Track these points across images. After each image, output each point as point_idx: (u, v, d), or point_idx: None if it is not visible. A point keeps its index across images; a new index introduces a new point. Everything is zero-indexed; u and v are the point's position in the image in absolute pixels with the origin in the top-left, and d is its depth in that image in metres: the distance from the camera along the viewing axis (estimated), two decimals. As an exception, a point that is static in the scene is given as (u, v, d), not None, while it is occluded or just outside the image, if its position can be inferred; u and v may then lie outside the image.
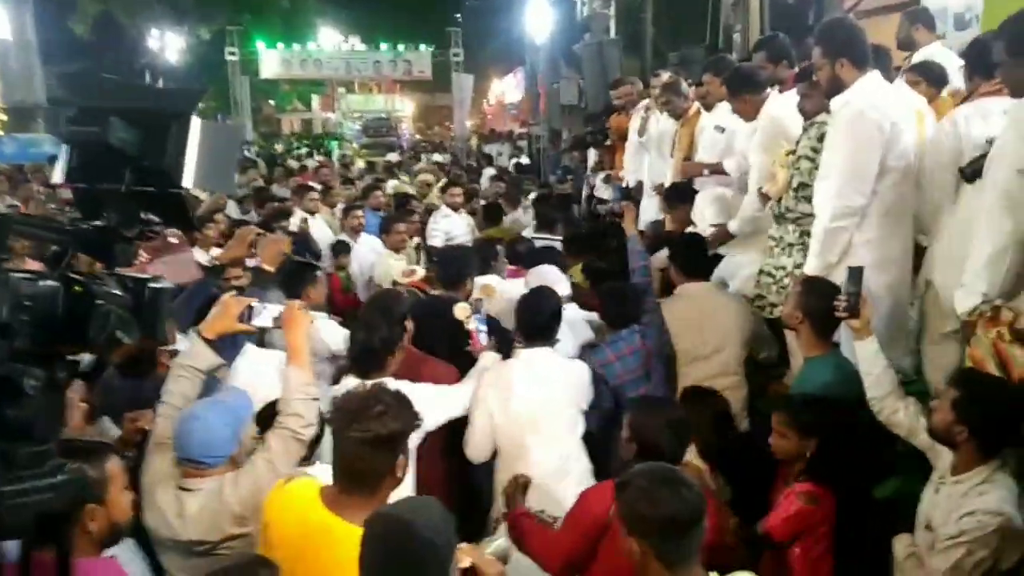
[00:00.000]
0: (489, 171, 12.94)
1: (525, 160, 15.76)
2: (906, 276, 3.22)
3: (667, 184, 5.24)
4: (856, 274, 2.67)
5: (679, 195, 4.88)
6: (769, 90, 4.22)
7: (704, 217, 4.59)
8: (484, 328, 3.36)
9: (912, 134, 3.13)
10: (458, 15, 25.74)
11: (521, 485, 2.72)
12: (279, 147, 25.75)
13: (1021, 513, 2.17)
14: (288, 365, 2.45)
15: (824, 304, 2.78)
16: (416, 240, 6.47)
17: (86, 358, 2.60)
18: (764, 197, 3.81)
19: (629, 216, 4.07)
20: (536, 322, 3.13)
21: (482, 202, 8.16)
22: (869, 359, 2.64)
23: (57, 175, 1.34)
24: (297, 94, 34.90)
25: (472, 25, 25.59)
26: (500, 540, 1.94)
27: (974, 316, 2.59)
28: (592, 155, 8.99)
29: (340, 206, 7.74)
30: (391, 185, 10.04)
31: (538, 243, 5.25)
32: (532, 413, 2.97)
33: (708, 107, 4.85)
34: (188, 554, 2.19)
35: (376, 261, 5.87)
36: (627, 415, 2.53)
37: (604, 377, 3.25)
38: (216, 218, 5.81)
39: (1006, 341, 2.46)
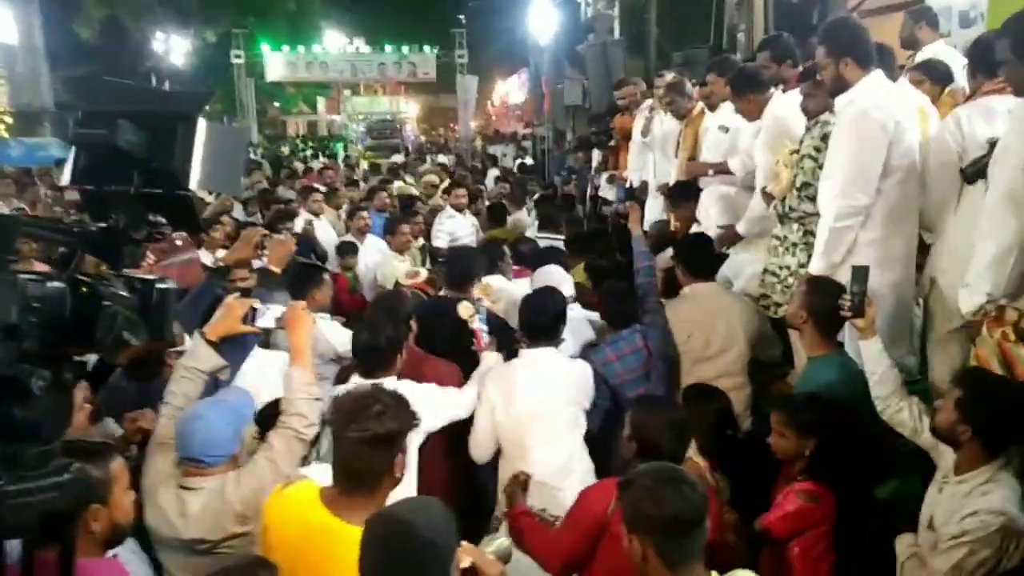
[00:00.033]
0: (494, 172, 12.95)
1: (529, 161, 15.78)
2: (910, 275, 3.22)
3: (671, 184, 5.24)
4: (861, 273, 2.66)
5: (683, 193, 4.88)
6: (773, 90, 4.22)
7: (709, 215, 4.59)
8: (485, 327, 3.37)
9: (916, 133, 3.13)
10: (462, 16, 25.75)
11: (521, 483, 2.72)
12: (285, 149, 25.81)
13: None
14: (291, 365, 2.46)
15: (828, 303, 2.78)
16: (421, 241, 6.49)
17: (91, 359, 2.61)
18: (768, 196, 3.80)
19: (634, 216, 4.08)
20: (540, 322, 3.14)
21: (487, 203, 8.18)
22: (873, 358, 2.64)
23: (65, 177, 1.35)
24: (302, 96, 34.95)
25: (476, 26, 25.60)
26: (501, 539, 1.94)
27: (979, 316, 2.59)
28: (596, 155, 9.00)
29: (345, 207, 7.76)
30: (396, 187, 10.06)
31: (541, 243, 5.26)
32: (535, 412, 2.97)
33: (712, 107, 4.85)
34: (190, 553, 2.21)
35: (380, 262, 5.89)
36: (628, 414, 2.53)
37: (603, 376, 3.25)
38: (222, 220, 5.84)
39: (1011, 341, 2.46)
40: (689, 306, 3.63)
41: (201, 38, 23.42)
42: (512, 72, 28.16)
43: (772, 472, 2.81)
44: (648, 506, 1.76)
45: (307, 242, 5.89)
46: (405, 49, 24.79)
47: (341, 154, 23.96)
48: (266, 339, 3.21)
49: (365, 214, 6.54)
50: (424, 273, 4.91)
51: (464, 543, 1.69)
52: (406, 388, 2.77)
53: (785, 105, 4.01)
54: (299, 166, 15.57)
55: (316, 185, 8.79)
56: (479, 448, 3.05)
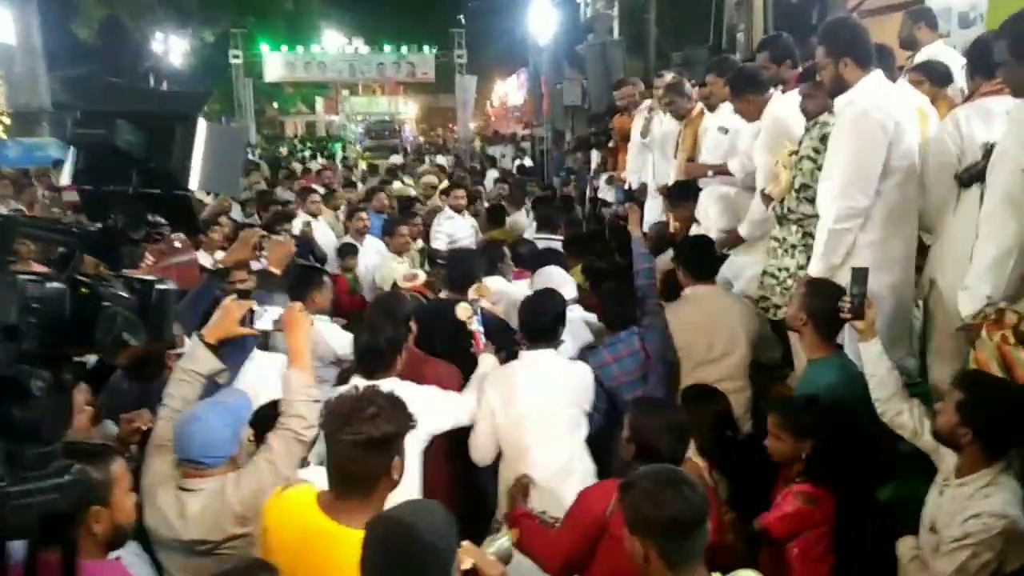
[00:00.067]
0: (493, 173, 12.95)
1: (528, 162, 15.78)
2: (910, 277, 3.22)
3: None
4: (861, 275, 2.66)
5: (682, 193, 4.87)
6: (772, 90, 4.22)
7: (708, 215, 4.58)
8: (481, 328, 3.36)
9: (915, 134, 3.13)
10: (461, 17, 25.75)
11: (523, 486, 2.72)
12: (283, 150, 25.81)
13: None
14: (289, 367, 2.46)
15: (828, 306, 2.77)
16: (420, 243, 6.48)
17: (91, 359, 2.61)
18: (767, 198, 3.80)
19: (633, 218, 4.07)
20: (539, 324, 3.14)
21: (486, 204, 8.17)
22: (874, 360, 2.64)
23: (64, 177, 1.35)
24: (301, 97, 34.95)
25: (475, 27, 25.61)
26: (502, 540, 1.94)
27: (978, 319, 2.58)
28: (595, 156, 9.00)
29: (343, 209, 7.76)
30: (394, 188, 10.06)
31: (539, 244, 5.26)
32: (535, 414, 2.97)
33: (712, 108, 4.84)
34: (189, 554, 2.20)
35: (378, 264, 5.88)
36: (627, 416, 2.53)
37: (599, 378, 3.24)
38: (220, 221, 5.83)
39: (1011, 344, 2.46)
40: (690, 309, 3.62)
41: (199, 38, 23.42)
42: (511, 72, 28.20)
43: (772, 473, 2.80)
44: (648, 508, 1.76)
45: (305, 243, 5.89)
46: (404, 49, 24.80)
47: (339, 155, 23.96)
48: (264, 341, 3.21)
49: (364, 215, 6.53)
50: (422, 275, 4.90)
51: (465, 543, 1.69)
52: (407, 390, 2.76)
53: (784, 106, 4.01)
54: (297, 167, 15.58)
55: (314, 186, 8.78)
56: (480, 451, 3.05)
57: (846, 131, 3.05)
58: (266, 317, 2.52)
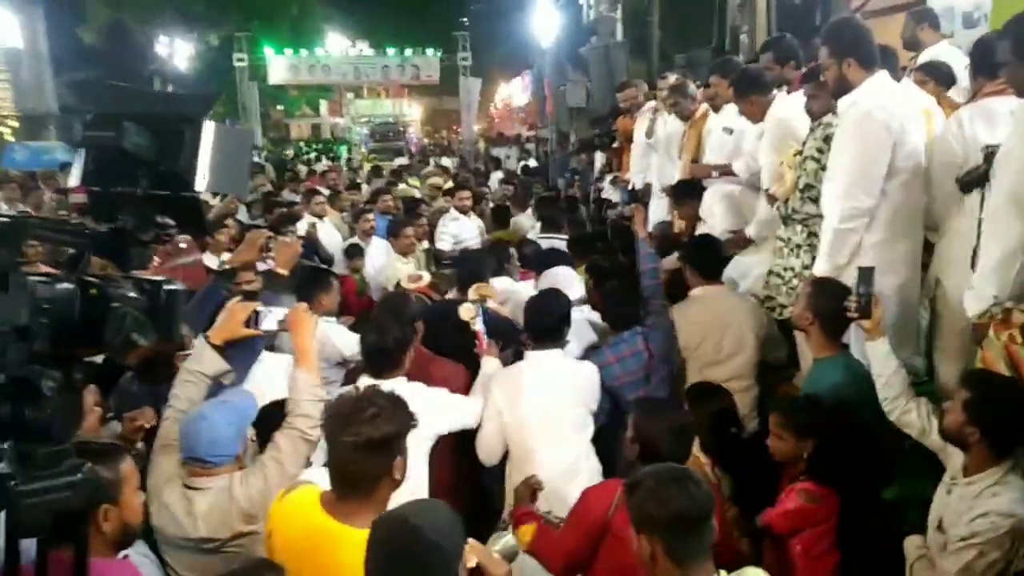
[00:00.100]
0: (498, 174, 12.96)
1: (532, 163, 15.79)
2: (916, 276, 3.21)
3: (675, 186, 5.23)
4: (867, 275, 2.66)
5: (687, 191, 4.86)
6: (776, 91, 4.22)
7: (713, 213, 4.58)
8: (484, 328, 3.37)
9: (920, 134, 3.12)
10: (465, 19, 25.84)
11: (531, 488, 2.72)
12: (289, 152, 25.87)
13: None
14: (295, 367, 2.47)
15: (834, 305, 2.77)
16: (425, 244, 6.50)
17: (97, 360, 2.62)
18: (771, 198, 3.80)
19: (639, 218, 4.06)
20: (544, 324, 3.15)
21: (490, 205, 8.19)
22: (881, 360, 2.63)
23: (73, 178, 1.36)
24: (305, 99, 35.04)
25: (479, 29, 25.69)
26: (507, 537, 1.93)
27: (984, 319, 2.58)
28: (599, 158, 9.01)
29: (348, 210, 7.78)
30: (400, 189, 10.08)
31: (543, 243, 5.27)
32: (541, 415, 2.97)
33: (716, 109, 4.85)
34: (196, 552, 2.22)
35: (384, 264, 5.90)
36: (631, 416, 2.54)
37: (602, 379, 3.24)
38: (227, 223, 5.84)
39: (1018, 343, 2.45)
40: (699, 309, 3.60)
41: (204, 42, 23.52)
42: (515, 74, 28.22)
43: (776, 471, 2.81)
44: (653, 505, 1.77)
45: (310, 245, 5.91)
46: (408, 52, 24.86)
47: (344, 157, 24.01)
48: (271, 343, 3.22)
49: (370, 216, 6.55)
50: (427, 277, 4.91)
51: (471, 541, 1.69)
52: (414, 390, 2.78)
53: (788, 107, 4.01)
54: (302, 169, 15.61)
55: (319, 188, 8.81)
56: (487, 451, 3.06)
57: (850, 132, 3.05)
58: (271, 318, 2.53)
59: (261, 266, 3.91)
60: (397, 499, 1.92)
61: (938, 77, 4.00)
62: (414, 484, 2.46)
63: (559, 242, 5.31)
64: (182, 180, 1.35)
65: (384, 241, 6.20)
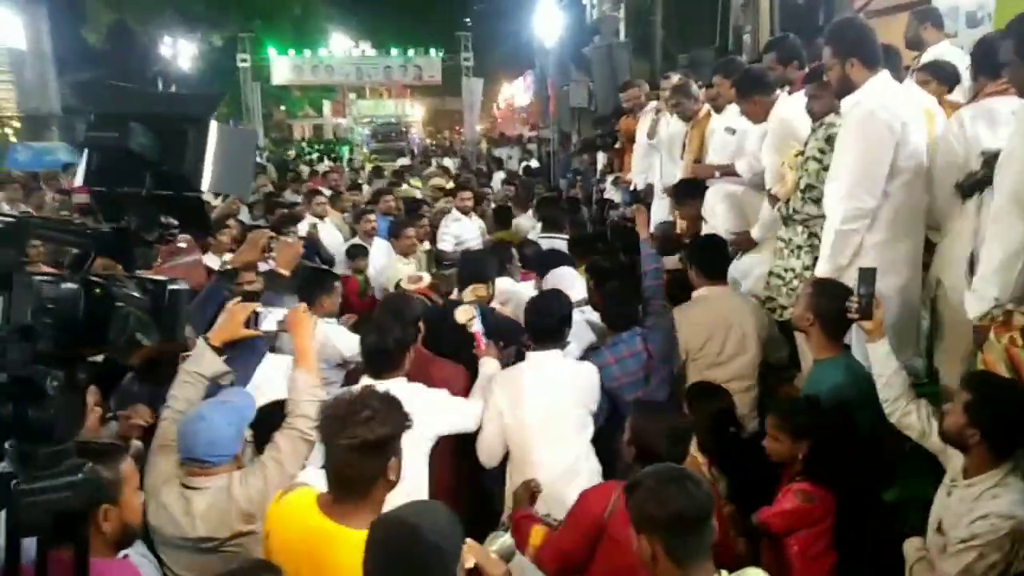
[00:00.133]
0: (500, 175, 12.97)
1: (535, 164, 15.79)
2: (917, 277, 3.21)
3: (677, 186, 5.22)
4: (868, 275, 2.65)
5: (688, 191, 4.86)
6: (779, 92, 4.22)
7: (715, 213, 4.57)
8: (483, 329, 3.37)
9: (922, 134, 3.12)
10: (468, 19, 25.85)
11: (531, 491, 2.73)
12: (291, 153, 25.91)
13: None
14: (295, 368, 2.48)
15: (835, 306, 2.77)
16: (427, 245, 6.50)
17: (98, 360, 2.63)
18: (773, 198, 3.80)
19: (641, 219, 4.06)
20: (544, 324, 3.15)
21: (492, 206, 8.19)
22: (881, 361, 2.63)
23: (79, 178, 1.37)
24: (308, 100, 35.10)
25: (482, 29, 25.70)
26: (504, 537, 1.94)
27: (985, 321, 2.57)
28: (601, 158, 9.00)
29: (349, 211, 7.78)
30: (401, 190, 10.09)
31: (544, 243, 5.27)
32: (542, 415, 2.97)
33: (718, 109, 4.84)
34: (195, 551, 2.22)
35: (385, 265, 5.91)
36: (628, 418, 2.54)
37: (600, 380, 3.24)
38: (228, 223, 5.85)
39: (1019, 346, 2.45)
40: (703, 309, 3.59)
41: (207, 42, 23.57)
42: (517, 75, 28.22)
43: (774, 471, 2.81)
44: (653, 505, 1.77)
45: (312, 245, 5.92)
46: (410, 52, 24.88)
47: (346, 157, 24.03)
48: (272, 343, 3.22)
49: (372, 217, 6.55)
50: (427, 278, 4.91)
51: (468, 541, 1.70)
52: (413, 391, 2.78)
53: (791, 107, 4.00)
54: (305, 169, 15.64)
55: (321, 188, 8.82)
56: (487, 452, 3.05)
57: (853, 132, 3.05)
58: (270, 318, 2.54)
59: (263, 266, 3.91)
60: (395, 500, 1.93)
61: (941, 77, 3.99)
62: (412, 485, 2.46)
63: (560, 242, 5.31)
64: (186, 180, 1.36)
65: (385, 242, 6.20)
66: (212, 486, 2.23)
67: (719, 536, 1.85)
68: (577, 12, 14.87)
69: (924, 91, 3.76)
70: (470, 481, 3.23)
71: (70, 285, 1.21)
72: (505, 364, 3.32)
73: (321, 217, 7.02)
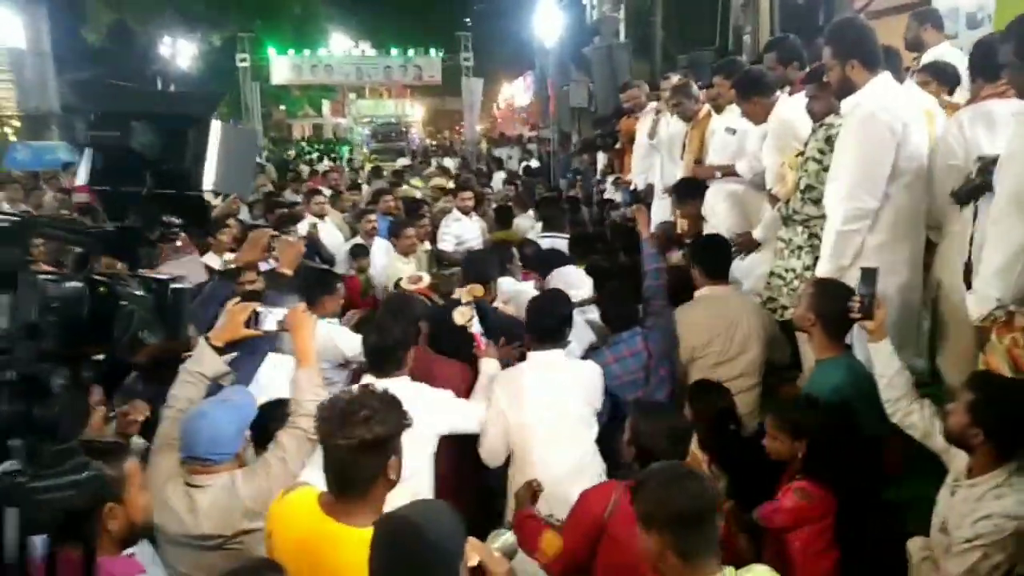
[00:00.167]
0: (500, 175, 12.98)
1: (535, 164, 15.80)
2: (918, 278, 3.21)
3: (677, 186, 5.22)
4: (870, 276, 2.65)
5: (689, 190, 4.86)
6: (779, 92, 4.22)
7: (715, 213, 4.57)
8: (482, 329, 3.37)
9: (923, 135, 3.12)
10: (468, 19, 25.84)
11: (532, 491, 2.73)
12: (291, 153, 25.91)
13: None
14: (297, 368, 2.48)
15: (836, 306, 2.76)
16: (427, 245, 6.50)
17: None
18: (773, 199, 3.80)
19: (642, 219, 4.06)
20: (545, 324, 3.15)
21: (493, 206, 8.20)
22: (884, 361, 2.63)
23: (81, 177, 1.37)
24: (308, 99, 35.06)
25: (482, 29, 25.68)
26: (507, 534, 1.94)
27: (987, 322, 2.58)
28: (601, 158, 9.01)
29: (349, 210, 7.79)
30: (402, 190, 10.09)
31: (544, 242, 5.27)
32: (544, 415, 2.98)
33: (718, 109, 4.84)
34: (198, 549, 2.23)
35: (385, 265, 5.91)
36: (628, 418, 2.54)
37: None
38: (229, 223, 5.85)
39: (1020, 347, 2.45)
40: (705, 309, 3.58)
41: (207, 42, 23.56)
42: (517, 75, 28.24)
43: (775, 469, 2.81)
44: (660, 503, 1.78)
45: (312, 245, 5.91)
46: (410, 52, 24.85)
47: (346, 157, 24.04)
48: (275, 344, 3.22)
49: (372, 217, 6.56)
50: (427, 278, 4.91)
51: (471, 539, 1.70)
52: (416, 390, 2.78)
53: (791, 108, 4.00)
54: (304, 169, 15.64)
55: (320, 188, 8.82)
56: (490, 452, 3.05)
57: (854, 133, 3.05)
58: (271, 318, 2.54)
59: (264, 266, 3.91)
60: (399, 499, 1.93)
61: (942, 78, 3.99)
62: (415, 484, 2.46)
63: (560, 241, 5.32)
64: (186, 179, 1.36)
65: (386, 242, 6.21)
66: (215, 484, 2.24)
67: (722, 532, 1.85)
68: (577, 12, 14.88)
69: (925, 92, 3.76)
70: (474, 481, 3.23)
71: (74, 284, 1.22)
72: (509, 363, 3.32)
73: (321, 217, 7.02)
